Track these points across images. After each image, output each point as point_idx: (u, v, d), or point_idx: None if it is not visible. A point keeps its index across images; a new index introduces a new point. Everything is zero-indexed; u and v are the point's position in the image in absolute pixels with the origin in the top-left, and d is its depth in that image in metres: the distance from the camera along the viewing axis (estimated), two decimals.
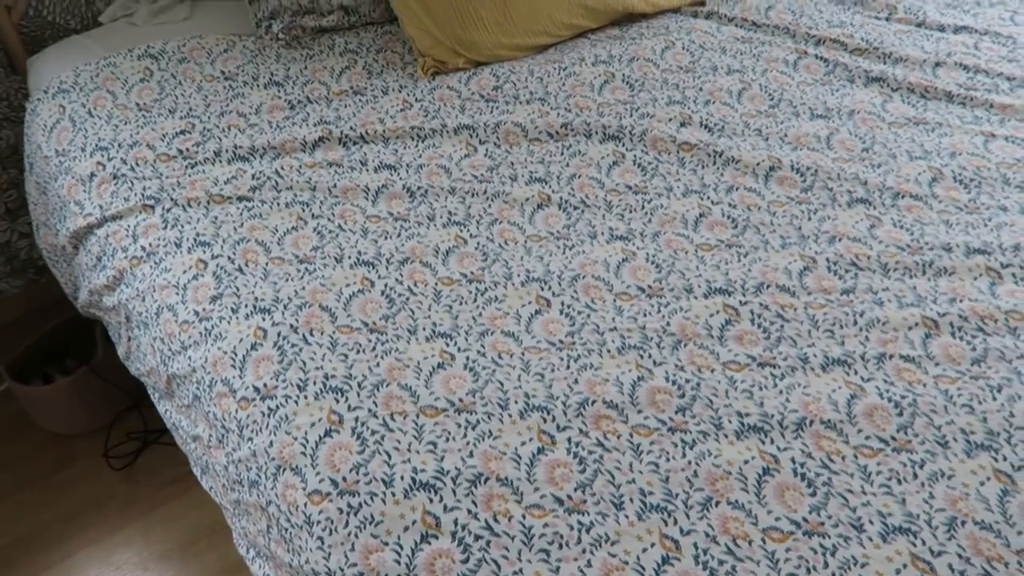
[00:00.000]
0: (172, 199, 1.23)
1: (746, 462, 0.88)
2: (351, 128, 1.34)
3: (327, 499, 0.86)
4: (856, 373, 0.97)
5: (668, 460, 0.89)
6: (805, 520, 0.83)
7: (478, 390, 0.96)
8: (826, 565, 0.80)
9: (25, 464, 1.68)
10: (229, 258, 1.14)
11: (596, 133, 1.33)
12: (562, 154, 1.30)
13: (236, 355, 1.03)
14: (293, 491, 0.89)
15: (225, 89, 1.43)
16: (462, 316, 1.05)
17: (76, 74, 1.45)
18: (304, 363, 0.99)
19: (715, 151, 1.29)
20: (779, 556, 0.80)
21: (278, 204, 1.22)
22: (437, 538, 0.82)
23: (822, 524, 0.83)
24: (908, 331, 1.02)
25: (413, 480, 0.87)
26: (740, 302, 1.06)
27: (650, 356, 1.00)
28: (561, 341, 1.02)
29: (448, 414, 0.93)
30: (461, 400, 0.95)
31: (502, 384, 0.96)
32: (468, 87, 1.43)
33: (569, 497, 0.85)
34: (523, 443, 0.90)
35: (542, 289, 1.09)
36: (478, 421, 0.92)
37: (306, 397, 0.96)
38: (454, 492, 0.86)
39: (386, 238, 1.17)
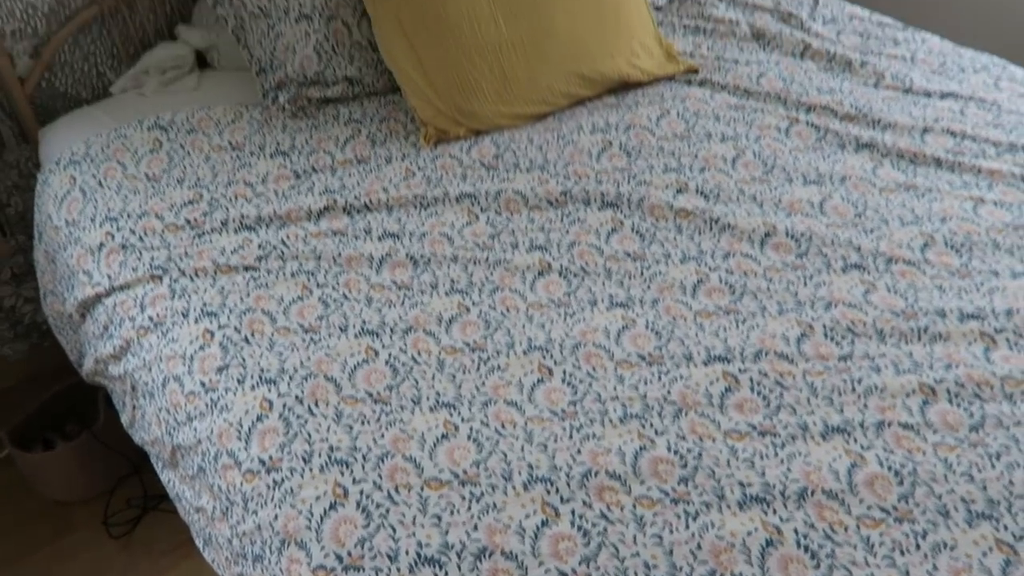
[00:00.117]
0: (180, 269, 1.25)
1: (749, 533, 0.89)
2: (355, 197, 1.37)
3: (332, 575, 0.87)
4: (856, 441, 0.98)
5: (672, 532, 0.89)
6: None
7: (482, 461, 0.97)
8: None
9: (24, 532, 1.67)
10: (235, 328, 1.15)
11: (595, 200, 1.36)
12: (562, 221, 1.33)
13: (242, 427, 1.04)
14: (298, 566, 0.89)
15: (232, 159, 1.46)
16: (465, 385, 1.07)
17: (87, 145, 1.49)
18: (309, 435, 1.00)
19: (711, 217, 1.32)
20: None
21: (284, 273, 1.24)
22: None
23: None
24: (906, 398, 1.03)
25: (418, 555, 0.87)
26: (739, 369, 1.07)
27: (651, 425, 1.01)
28: (563, 410, 1.03)
29: (452, 486, 0.94)
30: (465, 472, 0.95)
31: (506, 455, 0.97)
32: (469, 155, 1.47)
33: (574, 571, 0.86)
34: (527, 516, 0.91)
35: (544, 357, 1.10)
36: (482, 493, 0.93)
37: (311, 470, 0.97)
38: (459, 567, 0.86)
39: (390, 307, 1.19)
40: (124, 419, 1.32)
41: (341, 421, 1.02)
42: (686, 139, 1.50)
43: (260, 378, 1.08)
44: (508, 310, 1.18)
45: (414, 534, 0.89)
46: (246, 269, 1.25)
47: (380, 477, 0.95)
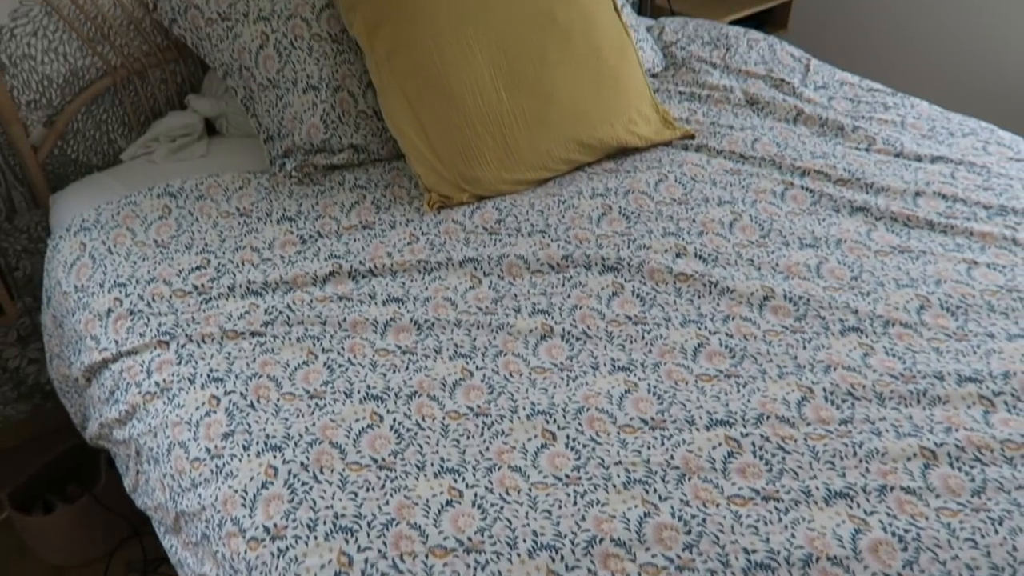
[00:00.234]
0: (187, 335, 1.27)
1: None
2: (360, 262, 1.39)
3: None
4: (859, 506, 0.99)
5: None
6: None
7: (487, 528, 0.97)
8: None
9: None
10: (241, 394, 1.16)
11: (595, 264, 1.38)
12: (563, 285, 1.35)
13: (247, 493, 1.04)
14: None
15: (240, 225, 1.49)
16: (469, 451, 1.08)
17: (97, 212, 1.52)
18: (314, 502, 1.01)
19: (710, 281, 1.34)
20: None
21: (289, 339, 1.26)
22: None
23: None
24: (907, 462, 1.04)
25: None
26: (741, 434, 1.08)
27: (655, 491, 1.01)
28: (567, 476, 1.04)
29: (457, 554, 0.94)
30: (470, 539, 0.96)
31: (510, 522, 0.98)
32: (472, 220, 1.50)
33: None
34: None
35: (547, 422, 1.11)
36: (487, 561, 0.93)
37: (316, 538, 0.97)
38: None
39: (394, 371, 1.20)
40: (127, 484, 1.32)
41: (346, 488, 1.02)
42: (684, 203, 1.53)
43: (265, 444, 1.09)
44: (511, 374, 1.19)
45: None
46: (252, 334, 1.27)
47: (385, 545, 0.95)
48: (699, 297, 1.32)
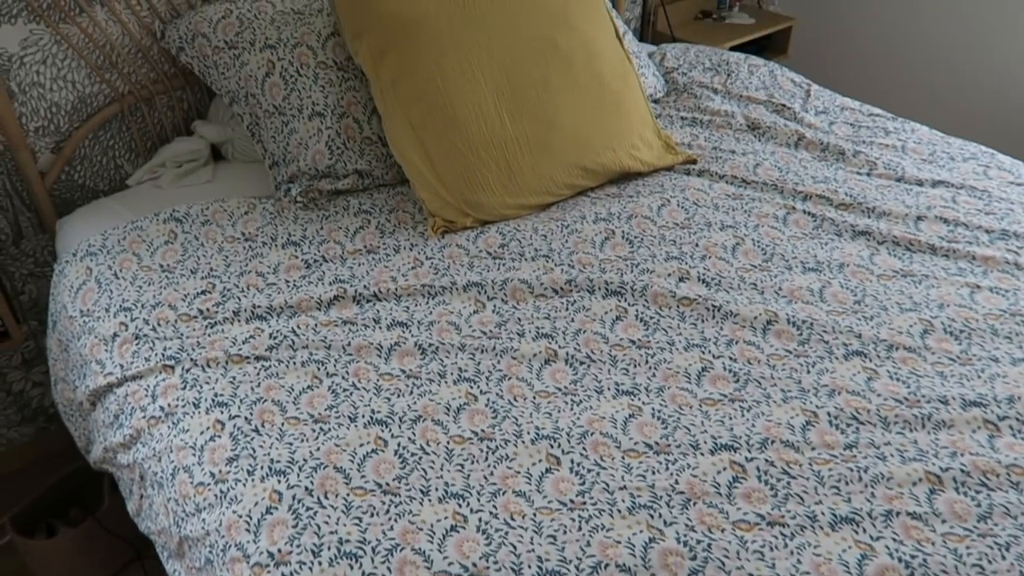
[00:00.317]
0: (192, 359, 1.27)
1: None
2: (365, 286, 1.40)
3: None
4: (865, 532, 0.98)
5: None
6: None
7: (491, 553, 0.97)
8: None
9: None
10: (246, 419, 1.17)
11: (599, 289, 1.39)
12: (567, 310, 1.36)
13: (251, 519, 1.04)
14: None
15: (245, 250, 1.50)
16: (474, 475, 1.07)
17: (104, 237, 1.53)
18: (319, 527, 1.01)
19: (713, 305, 1.34)
20: None
21: (294, 363, 1.26)
22: None
23: None
24: (913, 487, 1.04)
25: None
26: (746, 458, 1.08)
27: (660, 516, 1.01)
28: (572, 501, 1.04)
29: None
30: (475, 565, 0.95)
31: (515, 547, 0.97)
32: (476, 245, 1.51)
33: None
34: None
35: (552, 446, 1.11)
36: None
37: (320, 563, 0.96)
38: None
39: (399, 396, 1.20)
40: (130, 508, 1.31)
41: (350, 513, 1.02)
42: (687, 228, 1.54)
43: (270, 469, 1.09)
44: (515, 399, 1.19)
45: None
46: (257, 359, 1.27)
47: (390, 571, 0.95)
48: (703, 321, 1.33)
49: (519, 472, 1.08)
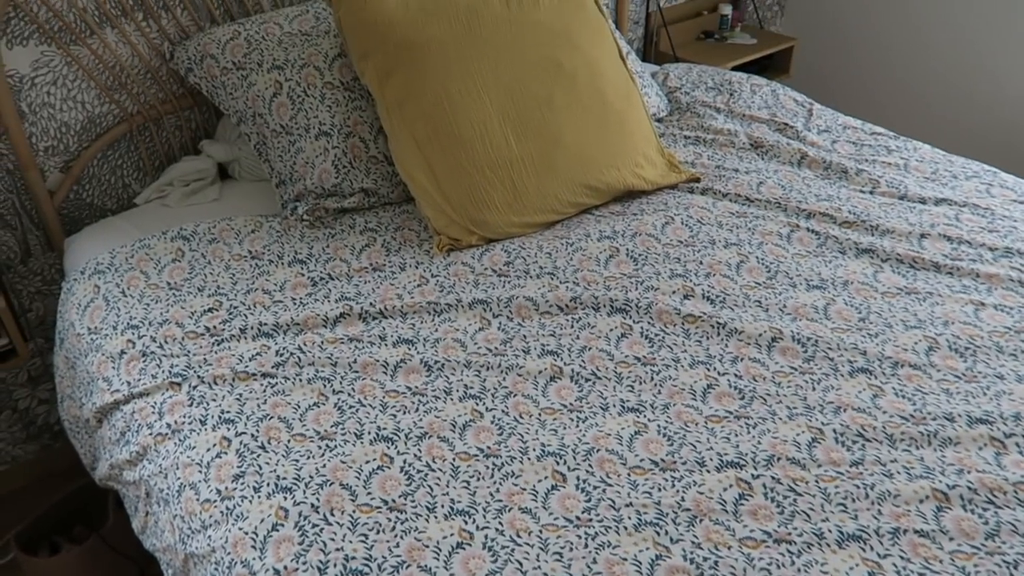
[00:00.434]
0: (199, 376, 1.27)
1: None
2: (371, 304, 1.41)
3: None
4: (872, 549, 0.98)
5: None
6: None
7: (497, 571, 0.96)
8: None
9: None
10: (252, 435, 1.17)
11: (604, 306, 1.39)
12: (572, 327, 1.36)
13: (257, 535, 1.04)
14: None
15: (252, 267, 1.51)
16: (480, 492, 1.07)
17: (112, 255, 1.54)
18: (325, 544, 1.00)
19: (718, 322, 1.35)
20: None
21: (300, 380, 1.26)
22: None
23: None
24: (920, 504, 1.03)
25: None
26: (752, 475, 1.08)
27: (667, 533, 1.01)
28: (578, 517, 1.03)
29: None
30: None
31: (521, 565, 0.97)
32: (481, 263, 1.51)
33: None
34: None
35: (557, 463, 1.11)
36: None
37: None
38: None
39: (405, 413, 1.20)
40: (135, 525, 1.31)
41: (356, 530, 1.02)
42: (691, 246, 1.55)
43: (276, 486, 1.09)
44: (521, 415, 1.19)
45: None
46: (263, 376, 1.27)
47: None
48: (707, 338, 1.33)
49: (525, 489, 1.08)
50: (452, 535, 1.01)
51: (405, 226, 1.63)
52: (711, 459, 1.11)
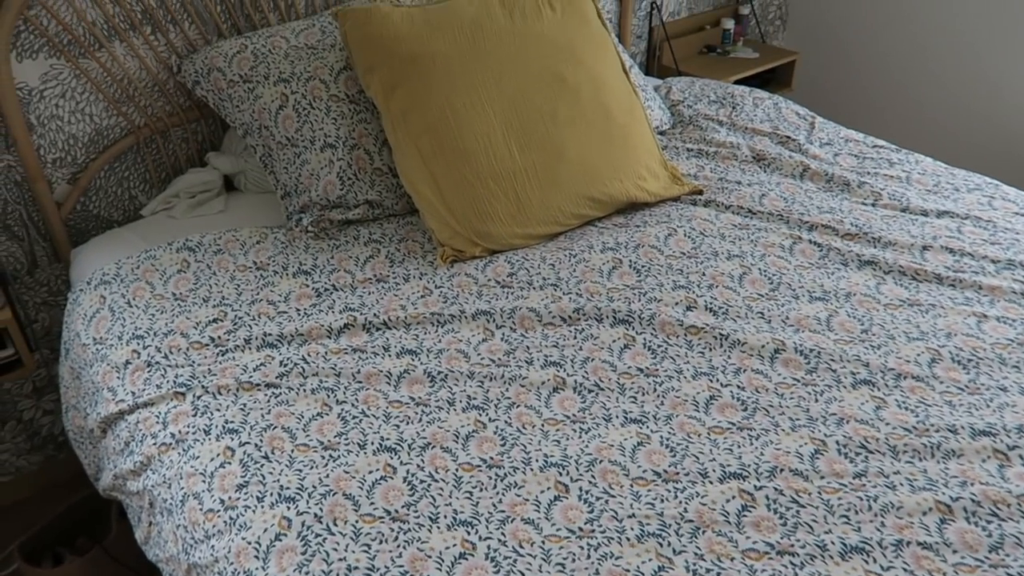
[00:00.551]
0: (203, 386, 1.28)
1: None
2: (375, 315, 1.41)
3: None
4: (875, 561, 0.98)
5: None
6: None
7: None
8: None
9: None
10: (256, 445, 1.17)
11: (607, 317, 1.40)
12: (575, 338, 1.37)
13: (260, 545, 1.04)
14: None
15: (256, 278, 1.52)
16: (482, 503, 1.07)
17: (118, 266, 1.55)
18: (328, 554, 1.01)
19: (721, 334, 1.35)
20: None
21: (304, 390, 1.27)
22: None
23: None
24: (923, 516, 1.03)
25: None
26: (755, 487, 1.08)
27: (669, 544, 1.01)
28: (581, 528, 1.03)
29: None
30: None
31: (523, 575, 0.97)
32: (484, 274, 1.52)
33: None
34: None
35: (560, 474, 1.11)
36: None
37: None
38: None
39: (408, 423, 1.21)
40: (139, 535, 1.31)
41: (359, 540, 1.02)
42: (693, 257, 1.55)
43: (279, 496, 1.09)
44: (524, 426, 1.20)
45: None
46: (267, 386, 1.28)
47: None
48: (710, 350, 1.33)
49: (528, 500, 1.08)
50: (455, 545, 1.01)
51: (409, 237, 1.64)
52: (714, 470, 1.11)
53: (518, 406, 1.23)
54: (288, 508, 1.07)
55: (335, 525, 1.04)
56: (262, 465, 1.14)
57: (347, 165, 1.65)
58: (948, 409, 1.20)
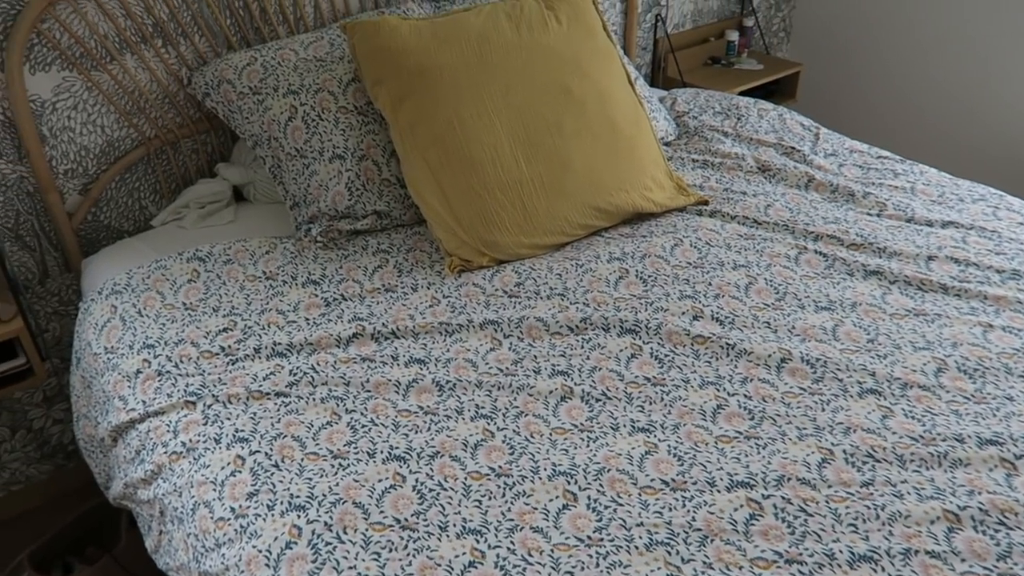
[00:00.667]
0: (213, 395, 1.29)
1: None
2: (383, 324, 1.42)
3: None
4: (883, 570, 0.98)
5: None
6: None
7: None
8: None
9: None
10: (266, 454, 1.18)
11: (614, 327, 1.41)
12: (582, 347, 1.37)
13: (271, 554, 1.05)
14: None
15: (266, 288, 1.53)
16: (491, 511, 1.08)
17: (128, 276, 1.57)
18: (338, 562, 1.01)
19: (727, 343, 1.36)
20: None
21: (314, 399, 1.28)
22: None
23: None
24: (931, 525, 1.04)
25: None
26: (763, 495, 1.09)
27: (678, 553, 1.01)
28: (589, 537, 1.04)
29: None
30: None
31: None
32: (492, 284, 1.53)
33: None
34: None
35: (568, 483, 1.12)
36: None
37: None
38: None
39: (417, 432, 1.21)
40: (149, 544, 1.32)
41: (369, 548, 1.03)
42: (700, 267, 1.56)
43: (290, 504, 1.10)
44: (532, 435, 1.20)
45: None
46: (277, 395, 1.29)
47: None
48: (717, 359, 1.34)
49: (536, 508, 1.08)
50: (464, 554, 1.02)
51: (417, 247, 1.65)
52: (721, 479, 1.11)
53: (526, 415, 1.24)
54: (298, 516, 1.08)
55: (345, 533, 1.05)
56: (272, 474, 1.15)
57: (355, 176, 1.66)
58: (955, 418, 1.20)
